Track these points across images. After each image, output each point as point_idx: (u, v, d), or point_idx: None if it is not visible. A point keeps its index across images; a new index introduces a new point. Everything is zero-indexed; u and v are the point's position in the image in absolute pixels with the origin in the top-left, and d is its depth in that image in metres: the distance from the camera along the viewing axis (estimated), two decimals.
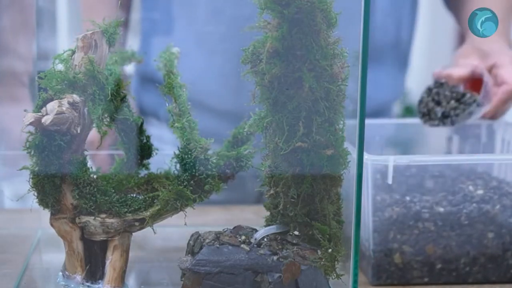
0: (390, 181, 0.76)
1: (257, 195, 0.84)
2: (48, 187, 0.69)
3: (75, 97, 0.67)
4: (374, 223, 0.78)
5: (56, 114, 0.65)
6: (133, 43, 1.13)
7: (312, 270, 0.69)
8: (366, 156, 0.74)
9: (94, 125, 0.70)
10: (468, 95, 0.94)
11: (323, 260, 0.69)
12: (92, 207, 0.70)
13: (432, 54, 3.13)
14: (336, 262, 0.70)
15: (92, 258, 0.72)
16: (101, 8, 1.01)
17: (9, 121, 0.98)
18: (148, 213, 0.71)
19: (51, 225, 0.71)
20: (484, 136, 0.96)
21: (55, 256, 0.79)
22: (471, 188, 0.82)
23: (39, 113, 0.65)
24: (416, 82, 3.36)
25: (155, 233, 0.72)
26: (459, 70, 0.96)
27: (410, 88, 3.32)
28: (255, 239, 0.69)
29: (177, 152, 0.72)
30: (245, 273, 0.67)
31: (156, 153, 0.79)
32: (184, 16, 1.06)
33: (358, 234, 0.68)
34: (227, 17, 1.03)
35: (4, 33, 1.02)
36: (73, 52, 0.69)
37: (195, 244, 0.69)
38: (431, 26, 3.10)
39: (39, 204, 0.70)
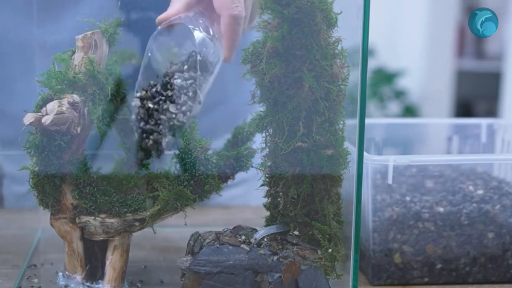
0: (390, 181, 0.76)
1: None
2: (48, 187, 0.69)
3: (75, 97, 0.67)
4: (374, 223, 0.78)
5: (56, 114, 0.65)
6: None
7: (312, 270, 0.69)
8: (366, 156, 0.74)
9: (94, 125, 0.70)
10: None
11: (323, 260, 0.69)
12: (92, 207, 0.70)
13: (431, 55, 3.13)
14: (336, 262, 0.70)
15: (92, 258, 0.72)
16: None
17: None
18: (148, 213, 0.71)
19: (51, 225, 0.71)
20: (484, 136, 0.96)
21: (55, 256, 0.79)
22: (471, 188, 0.82)
23: (39, 113, 0.65)
24: (416, 82, 3.36)
25: (155, 233, 0.72)
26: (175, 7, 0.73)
27: (409, 88, 3.32)
28: (255, 239, 0.69)
29: (177, 152, 0.72)
30: (245, 273, 0.67)
31: None
32: None
33: (358, 234, 0.68)
34: None
35: None
36: (73, 52, 0.69)
37: (195, 244, 0.69)
38: (431, 26, 3.10)
39: (39, 204, 0.70)
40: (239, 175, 0.75)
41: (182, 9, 0.73)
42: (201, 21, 0.73)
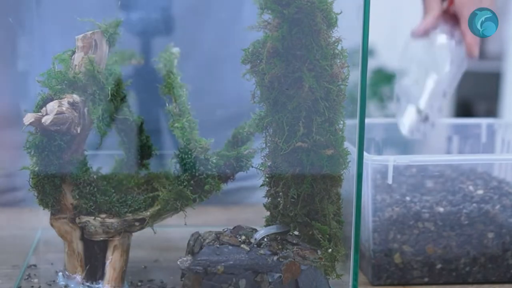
0: (390, 181, 0.76)
1: None
2: (48, 187, 0.69)
3: (75, 97, 0.67)
4: (374, 223, 0.78)
5: (56, 114, 0.65)
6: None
7: (312, 270, 0.69)
8: (366, 156, 0.74)
9: (94, 125, 0.70)
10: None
11: (323, 260, 0.69)
12: (92, 207, 0.70)
13: None
14: (336, 262, 0.70)
15: (92, 258, 0.72)
16: None
17: None
18: (148, 213, 0.71)
19: (51, 225, 0.71)
20: (484, 136, 0.96)
21: (55, 256, 0.79)
22: (471, 188, 0.82)
23: (39, 113, 0.65)
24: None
25: (155, 233, 0.72)
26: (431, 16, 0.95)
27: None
28: (255, 239, 0.69)
29: (177, 152, 0.72)
30: (245, 273, 0.67)
31: (156, 154, 0.79)
32: None
33: (358, 234, 0.68)
34: None
35: None
36: (73, 52, 0.69)
37: (195, 244, 0.69)
38: None
39: (39, 204, 0.70)
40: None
41: (436, 19, 0.92)
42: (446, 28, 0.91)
